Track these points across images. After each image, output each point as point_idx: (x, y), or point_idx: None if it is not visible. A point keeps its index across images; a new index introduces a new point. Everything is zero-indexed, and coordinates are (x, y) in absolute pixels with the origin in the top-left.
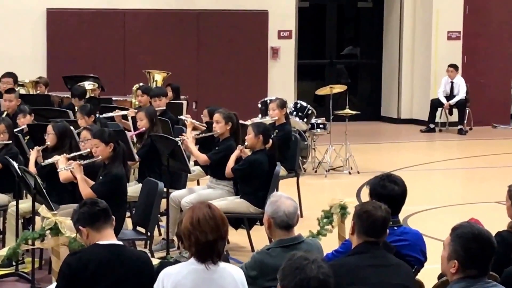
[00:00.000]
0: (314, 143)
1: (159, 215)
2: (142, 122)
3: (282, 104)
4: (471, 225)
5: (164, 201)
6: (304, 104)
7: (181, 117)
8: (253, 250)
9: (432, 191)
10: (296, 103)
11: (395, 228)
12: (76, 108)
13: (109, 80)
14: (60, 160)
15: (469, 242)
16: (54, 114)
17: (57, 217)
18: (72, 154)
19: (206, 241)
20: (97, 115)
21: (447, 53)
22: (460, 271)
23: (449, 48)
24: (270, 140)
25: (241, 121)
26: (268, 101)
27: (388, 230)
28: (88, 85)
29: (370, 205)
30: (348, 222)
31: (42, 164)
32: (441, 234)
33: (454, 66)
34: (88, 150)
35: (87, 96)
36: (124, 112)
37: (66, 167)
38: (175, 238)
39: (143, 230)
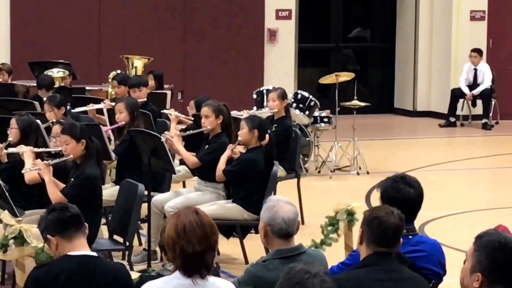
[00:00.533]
0: (317, 140)
1: (139, 222)
2: (121, 115)
3: (283, 95)
4: (498, 233)
5: (145, 206)
6: (306, 94)
7: (164, 111)
8: (247, 262)
9: (452, 195)
10: (296, 93)
11: (410, 237)
12: (43, 99)
13: (82, 67)
14: (26, 154)
15: (495, 252)
16: (18, 105)
17: (22, 224)
18: (40, 150)
19: (193, 252)
20: (68, 106)
21: (470, 36)
22: (485, 285)
23: (472, 30)
24: (267, 136)
25: (234, 113)
26: (265, 91)
27: (401, 239)
28: (57, 72)
29: (381, 210)
30: (356, 230)
31: (5, 152)
32: (463, 244)
33: (478, 51)
34: (61, 148)
35: (57, 85)
36: (100, 106)
37: (32, 167)
38: (157, 249)
39: (120, 239)
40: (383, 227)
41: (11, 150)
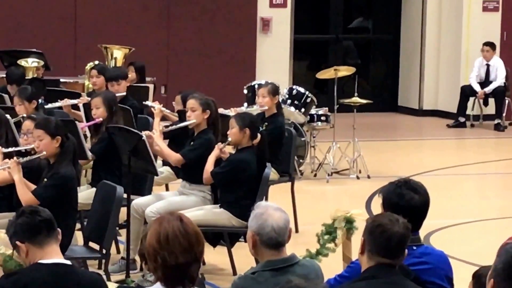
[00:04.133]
0: (314, 140)
1: (117, 228)
2: (98, 110)
3: (274, 90)
4: None
5: (123, 210)
6: (302, 90)
7: (147, 103)
8: (235, 273)
9: (461, 202)
10: (291, 89)
11: (414, 247)
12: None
13: (55, 57)
14: None
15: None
16: None
17: None
18: (9, 149)
19: (176, 263)
20: (41, 100)
21: (482, 28)
22: None
23: (484, 22)
24: (259, 135)
25: (221, 110)
26: (256, 86)
27: (406, 251)
28: (32, 62)
29: (385, 218)
30: (356, 239)
31: None
32: (472, 256)
33: (490, 45)
34: (32, 146)
35: (30, 76)
36: (74, 101)
37: (0, 165)
38: (137, 258)
39: (97, 247)
40: (387, 236)
41: None
